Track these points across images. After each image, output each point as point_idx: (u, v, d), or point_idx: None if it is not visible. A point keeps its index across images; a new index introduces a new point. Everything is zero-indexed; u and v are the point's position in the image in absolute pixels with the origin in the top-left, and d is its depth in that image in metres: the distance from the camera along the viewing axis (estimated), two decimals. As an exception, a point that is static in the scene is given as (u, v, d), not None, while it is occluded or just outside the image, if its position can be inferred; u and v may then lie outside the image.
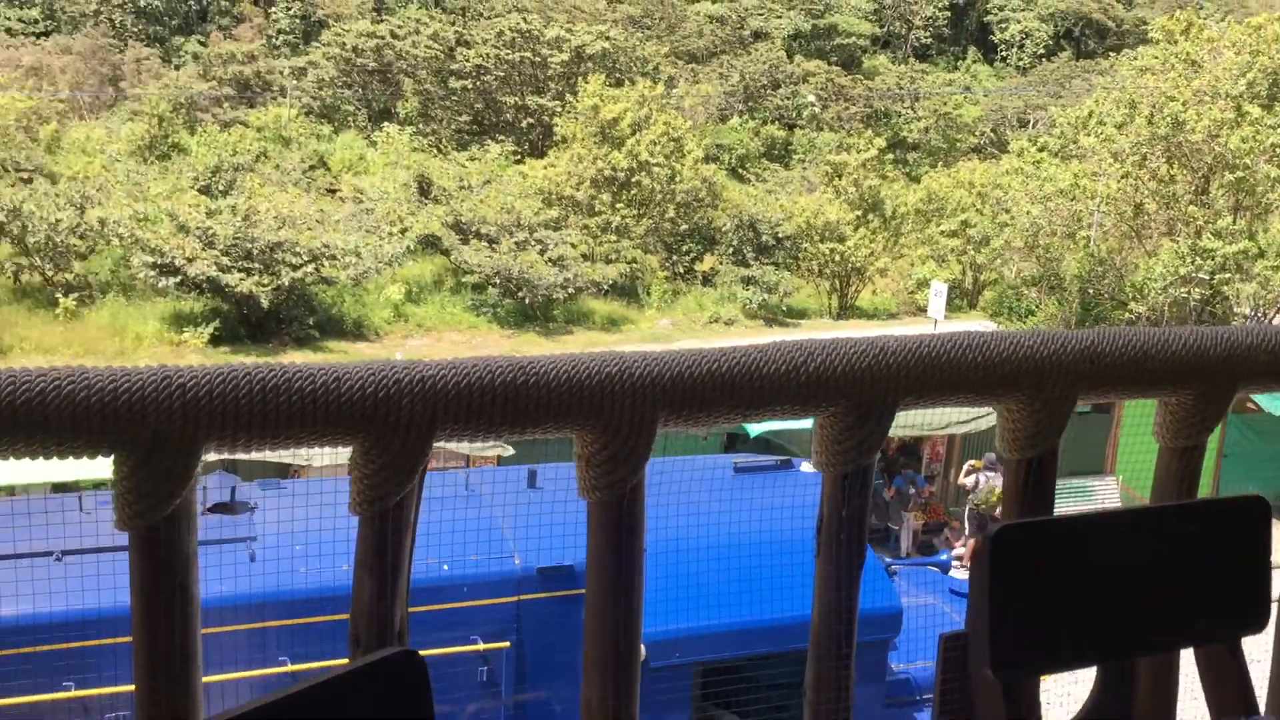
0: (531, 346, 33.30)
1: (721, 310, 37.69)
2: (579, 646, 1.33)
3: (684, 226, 40.42)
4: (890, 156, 49.05)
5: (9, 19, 64.70)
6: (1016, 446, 1.43)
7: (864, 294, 41.43)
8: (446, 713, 8.17)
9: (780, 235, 39.56)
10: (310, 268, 29.86)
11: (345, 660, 1.21)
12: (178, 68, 58.54)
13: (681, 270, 40.66)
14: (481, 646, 8.12)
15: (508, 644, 8.22)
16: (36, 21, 64.92)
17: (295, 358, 30.08)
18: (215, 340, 29.22)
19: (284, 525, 8.43)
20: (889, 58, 76.16)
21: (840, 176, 41.60)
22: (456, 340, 33.27)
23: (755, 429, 17.67)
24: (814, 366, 1.29)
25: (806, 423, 1.38)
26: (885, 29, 79.37)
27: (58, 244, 30.00)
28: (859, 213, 40.22)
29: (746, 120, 62.24)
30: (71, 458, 1.10)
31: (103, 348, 28.52)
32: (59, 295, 29.85)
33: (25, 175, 37.32)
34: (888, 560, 12.06)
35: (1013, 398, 1.40)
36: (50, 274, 30.48)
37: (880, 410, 1.34)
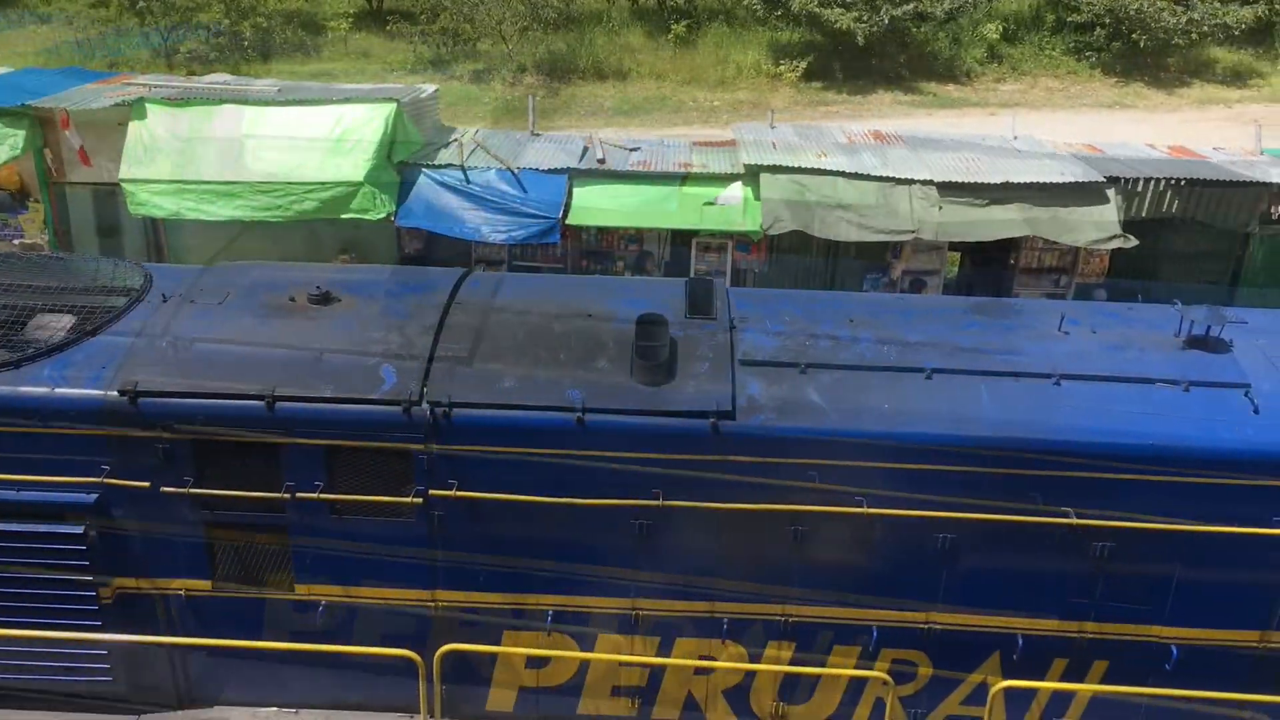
0: (1139, 99, 30.12)
1: (1384, 67, 31.47)
2: None
3: (1350, -43, 33.49)
4: None
5: None
6: None
7: None
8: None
9: None
10: (910, 5, 28.77)
11: None
12: None
13: (1335, 12, 34.14)
14: None
15: None
16: None
17: (885, 98, 29.69)
18: (808, 75, 29.48)
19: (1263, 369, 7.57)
20: None
21: None
22: (1052, 87, 30.86)
23: None
24: None
25: None
26: None
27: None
28: None
29: None
30: None
31: (706, 76, 29.79)
32: (671, 21, 31.45)
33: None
34: None
35: None
36: (667, -1, 32.12)
37: None
